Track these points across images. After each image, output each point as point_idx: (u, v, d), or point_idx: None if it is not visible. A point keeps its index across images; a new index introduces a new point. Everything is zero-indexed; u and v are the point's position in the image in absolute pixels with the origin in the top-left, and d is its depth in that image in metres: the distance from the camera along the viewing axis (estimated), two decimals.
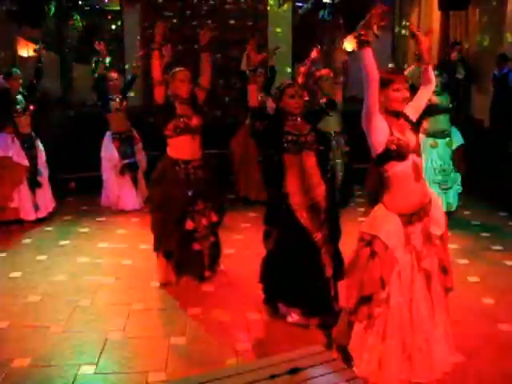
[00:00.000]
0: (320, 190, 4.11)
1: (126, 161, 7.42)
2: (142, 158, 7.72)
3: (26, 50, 9.01)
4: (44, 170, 7.10)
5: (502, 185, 7.40)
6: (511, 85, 8.55)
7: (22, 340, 3.97)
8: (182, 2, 9.77)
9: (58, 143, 7.95)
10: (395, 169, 3.22)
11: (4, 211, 6.79)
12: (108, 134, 7.44)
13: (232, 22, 10.01)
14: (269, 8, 10.26)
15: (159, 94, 4.71)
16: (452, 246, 5.65)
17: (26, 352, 3.78)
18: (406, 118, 3.34)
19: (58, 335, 4.05)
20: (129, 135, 7.53)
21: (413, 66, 6.13)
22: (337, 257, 4.12)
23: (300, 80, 5.04)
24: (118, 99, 7.29)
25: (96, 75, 7.24)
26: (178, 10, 9.80)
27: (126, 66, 9.81)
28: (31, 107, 6.85)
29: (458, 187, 6.55)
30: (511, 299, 4.56)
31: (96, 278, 5.11)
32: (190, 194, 4.78)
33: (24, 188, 6.87)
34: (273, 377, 2.48)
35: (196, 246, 4.86)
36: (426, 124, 6.33)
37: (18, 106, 6.73)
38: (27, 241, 6.29)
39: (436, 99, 5.91)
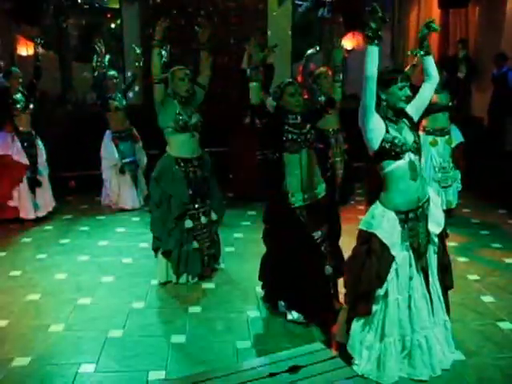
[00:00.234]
0: (320, 189, 4.12)
1: (126, 160, 7.42)
2: (141, 156, 7.72)
3: (24, 49, 9.01)
4: (44, 169, 7.10)
5: (502, 182, 7.41)
6: (510, 84, 8.55)
7: (22, 339, 3.98)
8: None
9: (57, 142, 7.95)
10: (391, 167, 3.24)
11: (4, 210, 6.80)
12: (108, 132, 7.44)
13: (232, 20, 10.00)
14: (269, 7, 10.25)
15: (158, 93, 4.71)
16: (451, 244, 5.66)
17: (26, 351, 3.79)
18: (407, 117, 3.35)
19: (58, 334, 4.05)
20: (129, 134, 7.53)
21: (408, 67, 6.13)
22: (337, 255, 4.12)
23: (299, 78, 5.05)
24: (117, 98, 7.29)
25: (95, 74, 7.23)
26: (177, 8, 9.79)
27: (126, 65, 9.80)
28: (31, 106, 6.85)
29: (457, 185, 6.55)
30: (511, 297, 4.56)
31: (96, 277, 5.12)
32: (189, 192, 4.78)
33: (24, 187, 6.86)
34: (273, 375, 2.49)
35: (195, 245, 4.87)
36: (425, 122, 6.34)
37: (18, 105, 6.73)
38: (27, 239, 6.29)
39: (435, 97, 5.90)
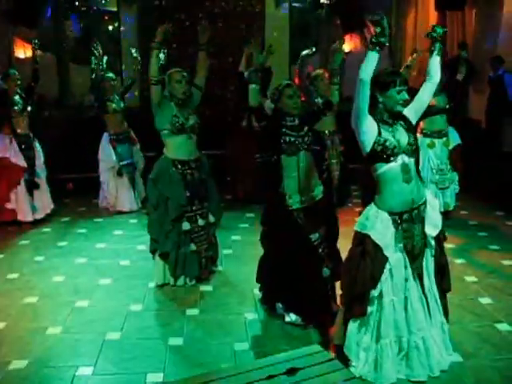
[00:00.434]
0: (318, 191, 4.12)
1: (124, 162, 7.42)
2: (139, 159, 7.72)
3: (22, 51, 9.00)
4: (42, 172, 7.09)
5: (499, 184, 7.42)
6: (506, 86, 8.58)
7: (19, 341, 3.97)
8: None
9: (55, 144, 7.94)
10: (383, 169, 3.25)
11: (1, 212, 6.80)
12: (105, 135, 7.44)
13: (230, 23, 10.00)
14: (266, 9, 10.26)
15: (155, 94, 4.71)
16: (449, 246, 5.66)
17: (23, 353, 3.78)
18: (404, 119, 3.35)
19: (55, 336, 4.04)
20: (126, 136, 7.52)
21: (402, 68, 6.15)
22: (335, 257, 4.12)
23: (296, 80, 5.05)
24: (115, 100, 7.29)
25: (93, 76, 7.23)
26: (175, 11, 9.79)
27: (123, 67, 9.80)
28: (29, 108, 6.84)
29: (455, 187, 6.56)
30: (508, 298, 4.57)
31: (93, 279, 5.11)
32: (186, 194, 4.78)
33: (21, 189, 6.86)
34: (270, 377, 2.48)
35: (193, 247, 4.86)
36: (423, 124, 6.36)
37: (16, 107, 6.73)
38: (25, 242, 6.28)
39: (433, 100, 5.90)
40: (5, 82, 6.71)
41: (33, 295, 4.76)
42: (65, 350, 3.84)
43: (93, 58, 7.16)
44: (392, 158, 3.23)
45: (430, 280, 3.42)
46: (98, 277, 5.17)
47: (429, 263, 3.41)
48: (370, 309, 3.33)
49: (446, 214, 6.38)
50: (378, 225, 3.28)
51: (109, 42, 9.94)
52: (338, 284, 3.93)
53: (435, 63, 3.47)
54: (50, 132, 8.09)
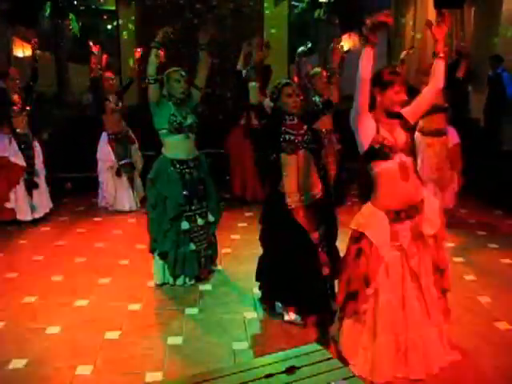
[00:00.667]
0: (317, 190, 4.12)
1: (122, 162, 7.41)
2: (138, 158, 7.71)
3: (21, 50, 9.00)
4: (41, 171, 7.09)
5: (498, 183, 7.42)
6: (505, 85, 8.58)
7: (18, 341, 3.97)
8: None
9: (54, 144, 7.94)
10: (380, 167, 3.25)
11: (1, 212, 6.80)
12: (104, 134, 7.44)
13: (228, 21, 10.00)
14: (265, 7, 10.25)
15: (153, 93, 4.70)
16: (448, 244, 5.67)
17: (22, 353, 3.78)
18: (401, 118, 3.35)
19: (54, 336, 4.04)
20: (125, 136, 7.52)
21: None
22: (334, 255, 4.12)
23: (295, 79, 5.05)
24: (113, 100, 7.29)
25: (92, 75, 7.23)
26: (174, 10, 9.78)
27: (122, 66, 9.79)
28: (28, 107, 6.84)
29: (454, 186, 6.56)
30: (507, 297, 4.57)
31: (92, 279, 5.11)
32: (185, 193, 4.78)
33: (21, 189, 6.87)
34: (269, 376, 2.48)
35: (192, 246, 4.86)
36: (422, 123, 6.35)
37: (15, 107, 6.72)
38: (24, 241, 6.29)
39: None
40: (4, 82, 6.70)
41: (32, 295, 4.75)
42: (64, 350, 3.84)
43: (91, 57, 7.14)
44: (390, 157, 3.23)
45: (427, 279, 3.41)
46: (96, 276, 5.16)
47: (426, 262, 3.41)
48: (365, 307, 3.33)
49: (444, 213, 6.38)
50: (374, 223, 3.28)
51: (107, 41, 9.94)
52: (337, 283, 3.94)
53: (440, 68, 3.45)
54: (48, 131, 8.08)
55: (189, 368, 3.56)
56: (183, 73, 4.77)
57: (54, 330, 4.13)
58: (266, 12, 10.28)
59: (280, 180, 4.05)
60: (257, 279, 4.42)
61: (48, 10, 9.33)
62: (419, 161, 6.29)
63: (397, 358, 3.38)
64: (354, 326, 3.39)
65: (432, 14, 9.61)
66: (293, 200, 4.03)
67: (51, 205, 7.28)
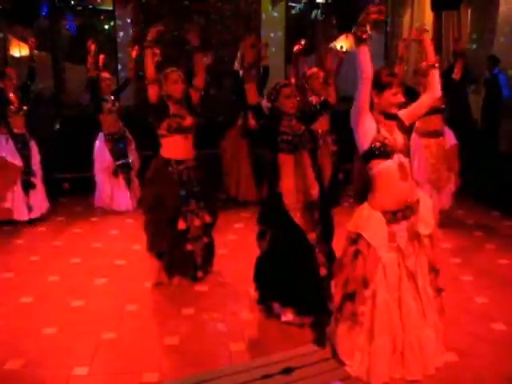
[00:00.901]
0: (314, 190, 4.12)
1: (119, 162, 7.40)
2: (134, 158, 7.70)
3: (17, 50, 8.98)
4: (38, 171, 7.08)
5: (496, 184, 7.44)
6: (501, 86, 8.60)
7: (14, 341, 3.96)
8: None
9: (51, 143, 7.92)
10: (380, 167, 3.25)
11: None
12: (100, 135, 7.43)
13: (225, 22, 10.00)
14: (262, 8, 10.25)
15: (153, 94, 4.70)
16: (445, 245, 5.68)
17: (18, 353, 3.77)
18: (398, 120, 3.36)
19: (50, 336, 4.03)
20: (122, 136, 7.51)
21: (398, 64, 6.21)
22: (331, 256, 4.12)
23: (293, 80, 5.04)
24: (110, 100, 7.28)
25: (89, 75, 7.22)
26: (170, 10, 9.78)
27: (119, 66, 9.79)
28: (25, 107, 6.83)
29: (451, 186, 6.57)
30: (504, 298, 4.57)
31: (89, 279, 5.10)
32: (182, 193, 4.77)
33: (17, 188, 6.85)
34: (266, 376, 2.49)
35: (189, 247, 4.85)
36: (419, 124, 6.36)
37: (12, 106, 6.71)
38: (20, 241, 6.27)
39: None
40: (1, 81, 6.68)
41: (28, 295, 4.74)
42: (60, 350, 3.83)
43: (88, 57, 7.13)
44: (389, 157, 3.23)
45: (423, 279, 3.42)
46: (93, 276, 5.16)
47: (422, 262, 3.41)
48: (363, 308, 3.33)
49: (441, 214, 6.39)
50: (372, 224, 3.28)
51: (104, 41, 9.92)
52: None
53: (436, 78, 3.47)
54: (45, 131, 8.07)
55: (185, 368, 3.56)
56: (181, 73, 4.76)
57: (50, 330, 4.11)
58: (263, 13, 10.28)
59: (277, 180, 4.04)
60: (254, 280, 4.41)
61: (45, 10, 9.31)
62: (415, 162, 6.30)
63: (393, 359, 3.38)
64: (352, 327, 3.39)
65: (429, 14, 9.64)
66: (290, 200, 4.03)
67: (48, 205, 7.27)
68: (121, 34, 9.93)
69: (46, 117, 8.85)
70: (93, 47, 7.01)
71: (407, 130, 3.42)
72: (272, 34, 10.24)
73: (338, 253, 4.00)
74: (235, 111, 7.67)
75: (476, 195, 7.61)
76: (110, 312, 4.41)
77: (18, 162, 6.78)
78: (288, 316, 4.14)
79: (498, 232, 6.40)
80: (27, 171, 6.91)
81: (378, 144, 3.22)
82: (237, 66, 7.18)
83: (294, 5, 10.91)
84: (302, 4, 10.92)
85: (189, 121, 4.78)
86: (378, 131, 3.24)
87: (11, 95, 6.70)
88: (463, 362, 3.58)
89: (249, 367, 2.63)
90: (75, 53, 9.72)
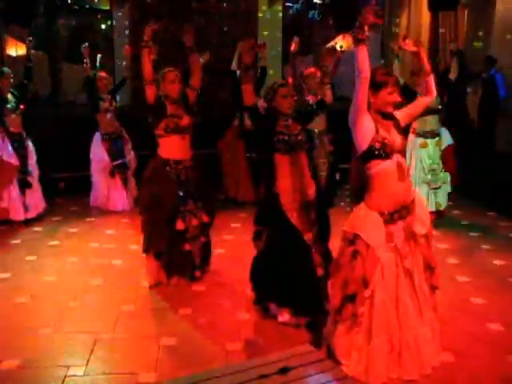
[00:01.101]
0: (311, 190, 4.12)
1: (116, 161, 7.39)
2: (131, 158, 7.70)
3: (14, 49, 8.96)
4: (34, 170, 7.06)
5: (492, 184, 7.45)
6: (498, 86, 8.62)
7: (10, 341, 3.95)
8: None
9: (47, 143, 7.91)
10: (379, 167, 3.26)
11: None
12: (97, 134, 7.42)
13: (222, 22, 9.99)
14: (259, 9, 10.25)
15: (150, 94, 4.69)
16: (441, 246, 5.69)
17: (14, 353, 3.76)
18: (394, 120, 3.36)
19: (47, 336, 4.02)
20: (118, 136, 7.51)
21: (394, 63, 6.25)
22: (327, 256, 4.12)
23: (290, 80, 5.05)
24: (107, 99, 7.27)
25: (86, 75, 7.21)
26: (167, 10, 9.76)
27: (116, 66, 9.77)
28: (21, 106, 6.81)
29: (447, 187, 6.59)
30: (501, 298, 4.59)
31: (85, 279, 5.09)
32: (180, 193, 4.77)
33: (14, 188, 6.83)
34: (263, 376, 2.49)
35: (186, 247, 4.85)
36: (415, 124, 6.38)
37: (9, 106, 6.70)
38: (16, 241, 6.26)
39: None
40: None
41: (24, 295, 4.73)
42: (56, 350, 3.82)
43: (84, 57, 7.13)
44: (388, 157, 3.23)
45: (419, 278, 3.42)
46: (90, 276, 5.15)
47: (418, 261, 3.42)
48: (361, 309, 3.33)
49: (437, 214, 6.41)
50: (369, 225, 3.28)
51: (101, 41, 9.92)
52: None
53: (431, 83, 3.51)
54: (41, 131, 8.04)
55: (182, 368, 3.55)
56: (178, 73, 4.76)
57: (46, 330, 4.10)
58: (260, 13, 10.28)
59: (274, 180, 4.04)
60: (251, 280, 4.41)
61: (42, 10, 9.31)
62: (412, 162, 6.32)
63: (391, 359, 3.39)
64: (350, 327, 3.39)
65: (426, 14, 9.66)
66: (286, 200, 4.03)
67: (44, 204, 7.25)
68: (117, 33, 9.91)
69: (43, 116, 8.82)
70: (86, 53, 7.03)
71: (403, 131, 3.43)
72: (269, 34, 10.24)
73: (334, 253, 4.01)
74: (234, 111, 7.67)
75: (472, 195, 7.63)
76: (106, 312, 4.41)
77: (14, 161, 6.76)
78: (284, 316, 4.14)
79: (494, 232, 6.42)
80: (23, 170, 6.89)
81: (377, 144, 3.22)
82: (234, 66, 7.17)
83: (291, 5, 10.92)
84: (299, 4, 10.93)
85: (186, 121, 4.78)
86: (377, 131, 3.24)
87: (8, 94, 6.69)
88: (460, 363, 3.59)
89: (245, 367, 2.63)
90: (72, 52, 9.71)
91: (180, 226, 4.78)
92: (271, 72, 7.90)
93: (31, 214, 6.97)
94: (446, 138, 6.65)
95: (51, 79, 9.77)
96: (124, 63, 7.72)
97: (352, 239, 3.32)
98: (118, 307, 4.49)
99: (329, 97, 4.47)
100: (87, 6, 10.35)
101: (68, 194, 8.24)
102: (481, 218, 6.95)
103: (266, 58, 7.36)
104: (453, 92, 7.92)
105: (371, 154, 3.25)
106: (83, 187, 7.78)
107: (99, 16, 10.43)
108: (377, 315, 3.32)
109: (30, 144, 7.02)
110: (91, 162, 7.49)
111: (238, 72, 6.86)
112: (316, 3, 10.72)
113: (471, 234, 6.35)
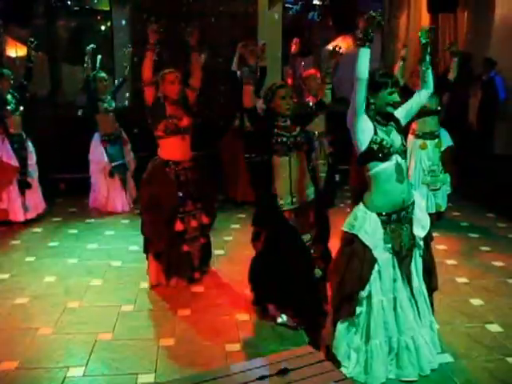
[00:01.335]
0: (309, 192, 4.12)
1: (115, 163, 7.39)
2: (131, 159, 7.70)
3: (14, 50, 8.95)
4: (34, 171, 7.06)
5: (491, 186, 7.46)
6: (498, 88, 8.61)
7: (10, 342, 3.95)
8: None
9: (47, 144, 7.91)
10: (377, 168, 3.26)
11: None
12: (96, 135, 7.41)
13: (222, 23, 9.99)
14: (259, 9, 10.25)
15: (149, 95, 4.69)
16: (440, 247, 5.70)
17: (14, 355, 3.76)
18: (394, 120, 3.37)
19: (46, 337, 4.02)
20: (118, 136, 7.51)
21: (399, 63, 6.25)
22: (327, 257, 4.12)
23: (289, 81, 5.04)
24: (106, 100, 7.27)
25: (85, 76, 7.21)
26: (167, 11, 9.77)
27: (115, 67, 9.77)
28: (21, 107, 6.81)
29: (446, 188, 6.59)
30: (500, 300, 4.59)
31: (85, 280, 5.09)
32: (180, 194, 4.77)
33: (13, 189, 6.83)
34: (262, 378, 2.48)
35: (185, 248, 4.86)
36: (415, 125, 6.39)
37: (8, 107, 6.69)
38: (16, 242, 6.26)
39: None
40: None
41: (24, 296, 4.74)
42: (56, 351, 3.82)
43: (86, 57, 7.13)
44: (387, 158, 3.24)
45: (418, 280, 3.43)
46: (89, 277, 5.15)
47: (417, 263, 3.43)
48: (359, 309, 3.34)
49: (437, 215, 6.42)
50: (367, 225, 3.29)
51: (101, 42, 9.91)
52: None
53: (429, 76, 3.51)
54: (41, 131, 8.05)
55: (181, 370, 3.56)
56: (178, 74, 4.76)
57: (46, 331, 4.11)
58: (260, 14, 10.27)
59: (272, 182, 4.05)
60: (249, 281, 4.41)
61: (41, 10, 9.30)
62: (412, 163, 6.32)
63: (389, 360, 3.39)
64: (348, 328, 3.40)
65: (425, 16, 9.65)
66: (285, 202, 4.04)
67: (44, 205, 7.25)
68: (117, 34, 9.91)
69: (43, 117, 8.82)
70: (90, 55, 7.06)
71: (403, 131, 3.43)
72: (268, 35, 10.23)
73: (334, 254, 4.02)
74: (232, 111, 7.66)
75: (472, 197, 7.64)
76: (105, 313, 4.41)
77: (14, 162, 6.76)
78: (283, 317, 4.14)
79: (493, 233, 6.42)
80: (23, 171, 6.89)
81: (375, 146, 3.23)
82: (234, 66, 7.17)
83: (290, 6, 10.92)
84: (299, 5, 10.92)
85: (186, 122, 4.78)
86: (376, 133, 3.24)
87: (8, 96, 6.69)
88: (458, 363, 3.60)
89: (244, 368, 2.62)
90: (72, 53, 9.71)
91: (179, 226, 4.79)
92: (270, 73, 7.88)
93: (31, 215, 6.97)
94: (446, 140, 6.65)
95: (51, 80, 9.77)
96: (125, 64, 7.70)
97: (350, 239, 3.33)
98: (117, 308, 4.49)
99: (328, 97, 4.44)
100: (87, 7, 10.34)
101: (68, 195, 8.24)
102: (480, 219, 6.96)
103: (266, 59, 7.36)
104: (453, 93, 7.92)
105: (369, 156, 3.26)
106: (83, 188, 7.78)
107: (99, 17, 10.42)
108: (374, 316, 3.33)
109: (29, 145, 7.02)
110: (90, 163, 7.48)
111: (238, 73, 6.85)
112: (315, 4, 10.71)
113: (470, 235, 6.36)
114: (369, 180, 3.33)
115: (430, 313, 3.51)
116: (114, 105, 7.38)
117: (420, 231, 3.40)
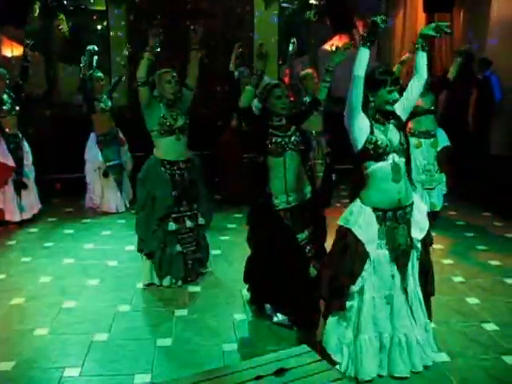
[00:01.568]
0: (305, 191, 4.12)
1: (111, 163, 7.38)
2: (127, 159, 7.69)
3: (9, 50, 8.93)
4: (30, 171, 7.04)
5: (487, 185, 7.47)
6: (493, 88, 8.62)
7: (6, 343, 3.94)
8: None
9: (43, 143, 7.89)
10: (373, 167, 3.25)
11: None
12: (92, 135, 7.40)
13: (218, 23, 9.99)
14: (255, 9, 10.25)
15: (143, 95, 4.67)
16: (437, 246, 5.70)
17: (10, 355, 3.75)
18: (395, 116, 3.34)
19: (42, 337, 4.02)
20: (114, 136, 7.49)
21: (396, 66, 6.25)
22: (322, 257, 4.12)
23: (286, 80, 5.04)
24: (103, 100, 7.26)
25: (82, 75, 7.20)
26: (164, 11, 9.76)
27: (112, 67, 9.76)
28: (17, 107, 6.80)
29: (442, 188, 6.60)
30: (495, 299, 4.60)
31: (81, 280, 5.08)
32: (174, 194, 4.77)
33: (9, 189, 6.82)
34: (259, 378, 2.48)
35: (178, 248, 4.85)
36: (410, 124, 6.39)
37: (4, 107, 6.68)
38: (12, 242, 6.25)
39: (420, 101, 5.93)
40: None
41: (20, 296, 4.73)
42: (52, 351, 3.82)
43: (82, 57, 7.11)
44: (382, 158, 3.23)
45: (414, 281, 3.42)
46: (85, 277, 5.14)
47: (414, 265, 3.42)
48: (350, 303, 3.34)
49: (433, 215, 6.42)
50: (361, 220, 3.28)
51: (97, 42, 9.89)
52: None
53: (423, 60, 3.39)
54: (37, 131, 8.04)
55: (178, 370, 3.55)
56: (174, 74, 4.75)
57: (42, 331, 4.10)
58: (256, 14, 10.28)
59: (268, 181, 4.04)
60: (245, 281, 4.41)
61: (37, 10, 9.27)
62: (413, 162, 6.32)
63: (381, 356, 3.39)
64: (339, 322, 3.40)
65: (421, 15, 9.66)
66: (280, 201, 4.04)
67: (40, 205, 7.24)
68: (114, 34, 9.90)
69: (39, 116, 8.81)
70: (90, 56, 7.06)
71: (403, 128, 3.41)
72: (265, 35, 10.23)
73: None
74: (229, 111, 7.66)
75: (468, 197, 7.65)
76: (102, 313, 4.40)
77: (10, 162, 6.74)
78: (279, 317, 4.14)
79: (489, 233, 6.44)
80: (19, 172, 6.88)
81: (370, 146, 3.22)
82: (231, 66, 7.17)
83: (287, 6, 10.91)
84: (295, 5, 10.92)
85: (181, 121, 4.78)
86: (372, 132, 3.24)
87: (4, 95, 6.67)
88: (454, 362, 3.60)
89: (241, 368, 2.62)
90: (68, 53, 9.69)
91: (172, 226, 4.79)
92: (267, 72, 7.88)
93: (26, 215, 6.96)
94: (443, 140, 6.65)
95: (47, 80, 9.75)
96: (122, 62, 7.70)
97: (344, 233, 3.33)
98: (113, 308, 4.49)
99: (323, 95, 4.40)
100: (83, 7, 10.32)
101: (64, 195, 8.23)
102: (476, 218, 6.97)
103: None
104: (452, 92, 7.93)
105: (364, 155, 3.26)
106: (79, 188, 7.77)
107: (95, 17, 10.41)
108: (365, 311, 3.32)
109: (25, 145, 7.01)
110: (86, 162, 7.47)
111: (235, 73, 6.85)
112: (312, 4, 10.71)
113: (466, 234, 6.37)
114: (365, 177, 3.33)
115: (424, 315, 3.50)
116: (110, 104, 7.37)
117: (418, 233, 3.38)
